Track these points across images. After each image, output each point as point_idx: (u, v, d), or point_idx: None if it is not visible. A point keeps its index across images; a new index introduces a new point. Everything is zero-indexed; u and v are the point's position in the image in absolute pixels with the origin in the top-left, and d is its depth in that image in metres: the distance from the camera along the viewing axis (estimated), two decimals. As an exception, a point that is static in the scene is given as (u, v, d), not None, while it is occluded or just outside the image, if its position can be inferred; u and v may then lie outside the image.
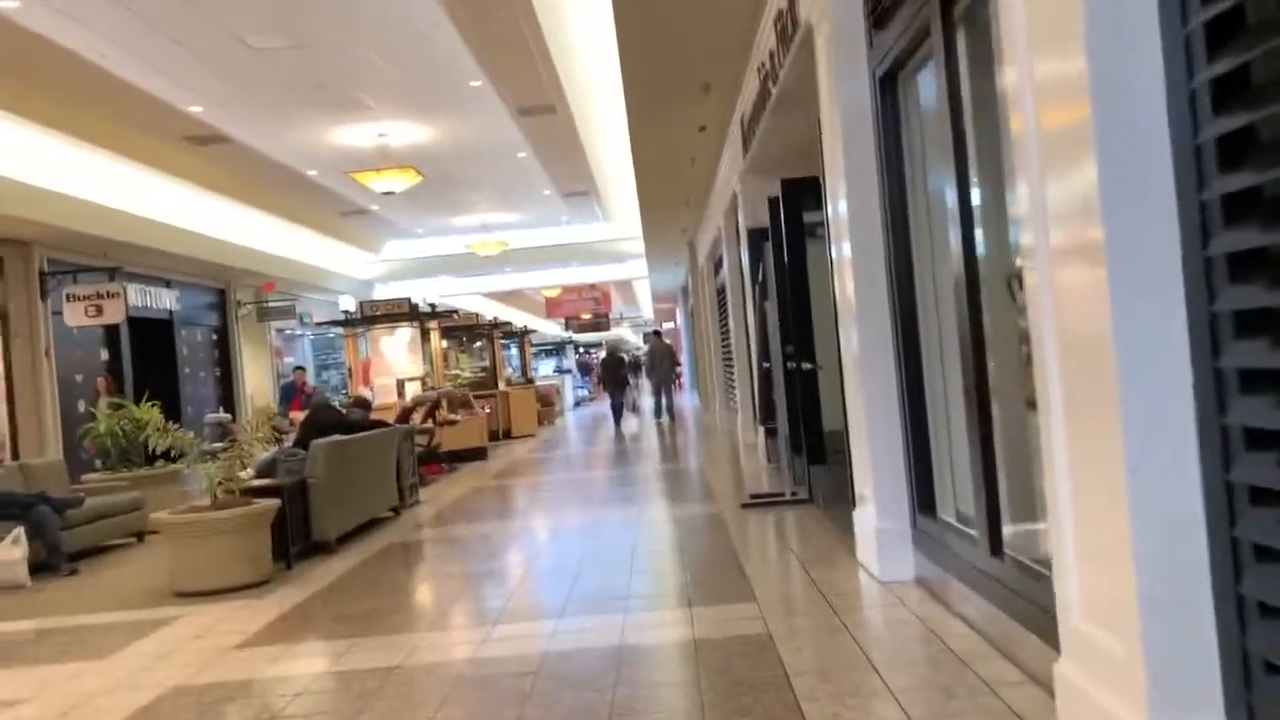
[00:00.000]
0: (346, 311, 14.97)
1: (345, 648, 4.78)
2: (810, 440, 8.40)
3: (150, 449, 9.09)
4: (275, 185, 17.92)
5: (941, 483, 4.93)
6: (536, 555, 7.38)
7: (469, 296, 27.95)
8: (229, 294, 19.51)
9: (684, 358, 29.93)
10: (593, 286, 31.17)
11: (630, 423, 20.34)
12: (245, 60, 11.52)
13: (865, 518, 5.54)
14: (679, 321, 35.81)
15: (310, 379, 17.22)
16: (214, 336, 19.11)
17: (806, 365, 8.43)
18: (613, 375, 20.46)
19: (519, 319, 29.29)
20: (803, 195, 8.91)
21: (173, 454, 8.92)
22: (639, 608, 5.13)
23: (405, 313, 14.80)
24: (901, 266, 5.10)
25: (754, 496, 8.47)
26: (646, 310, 42.08)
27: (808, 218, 8.88)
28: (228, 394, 18.68)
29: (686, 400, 28.18)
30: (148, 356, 15.81)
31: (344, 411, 9.99)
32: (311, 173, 17.24)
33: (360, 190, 19.19)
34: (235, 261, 18.14)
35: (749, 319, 11.36)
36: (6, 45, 9.99)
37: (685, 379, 30.06)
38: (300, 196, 19.00)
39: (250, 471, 7.51)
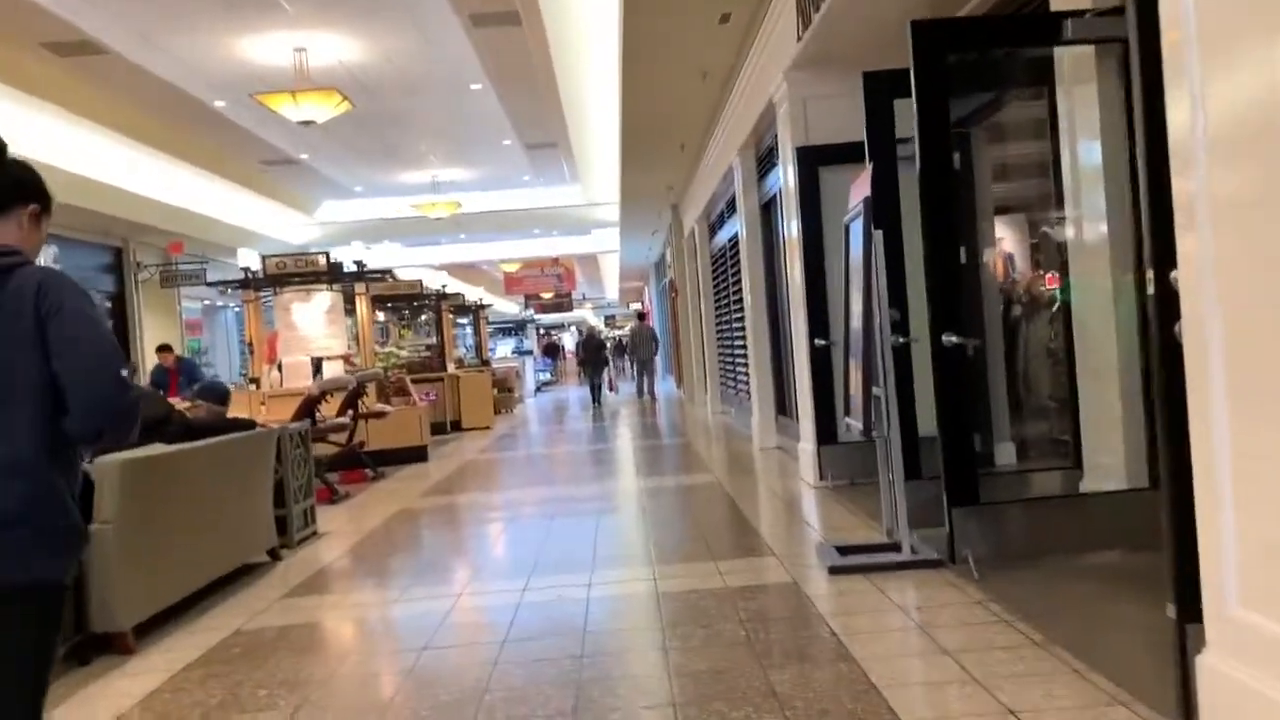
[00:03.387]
0: (246, 269, 11.26)
1: None
2: (908, 452, 5.03)
3: None
4: (178, 120, 14.11)
5: None
6: (483, 679, 3.87)
7: (419, 269, 24.24)
8: (127, 254, 15.70)
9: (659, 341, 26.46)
10: (555, 261, 27.59)
11: (609, 418, 16.83)
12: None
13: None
14: (649, 301, 32.33)
15: (192, 356, 13.31)
16: (107, 304, 15.32)
17: (902, 339, 5.09)
18: (593, 356, 20.36)
19: (476, 295, 25.61)
20: (891, 95, 5.58)
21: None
22: None
23: (323, 271, 11.14)
24: None
25: (844, 550, 5.06)
26: (612, 290, 38.52)
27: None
28: (122, 374, 14.87)
29: (660, 387, 24.71)
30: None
31: (187, 405, 6.44)
32: (219, 103, 13.47)
33: (283, 131, 15.44)
34: (134, 214, 14.35)
35: (789, 281, 7.92)
36: None
37: (659, 365, 26.62)
38: (212, 137, 15.20)
39: None
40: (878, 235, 4.73)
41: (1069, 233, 5.13)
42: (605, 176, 18.27)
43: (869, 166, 4.95)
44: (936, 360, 4.59)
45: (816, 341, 7.15)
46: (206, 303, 19.26)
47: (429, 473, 10.20)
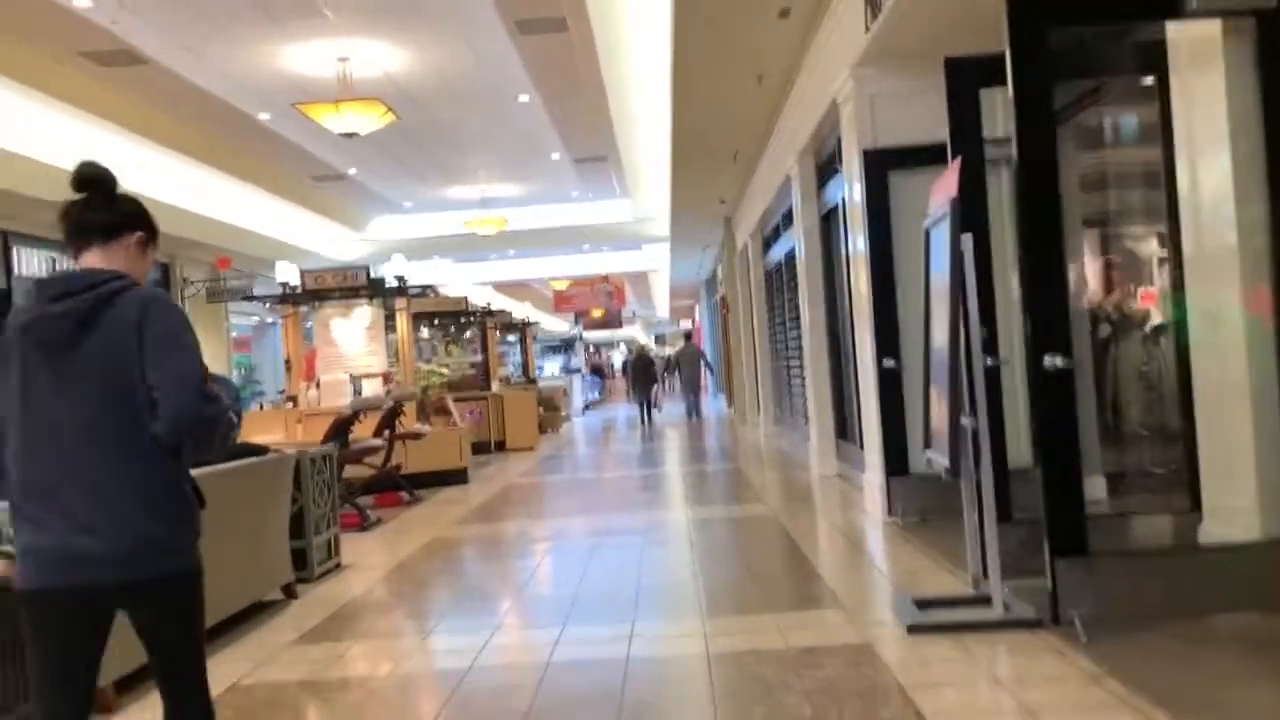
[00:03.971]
0: (284, 284, 10.85)
1: None
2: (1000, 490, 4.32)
3: None
4: (225, 134, 13.83)
5: None
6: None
7: (469, 287, 23.87)
8: (174, 271, 15.46)
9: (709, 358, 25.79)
10: (605, 279, 27.06)
11: (656, 439, 16.20)
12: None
13: None
14: (700, 319, 31.69)
15: (240, 372, 12.85)
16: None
17: (991, 361, 4.40)
18: (643, 374, 20.37)
19: (524, 312, 25.17)
20: (976, 84, 4.94)
21: None
22: None
23: (363, 286, 10.68)
24: None
25: (923, 604, 4.37)
26: (662, 308, 37.94)
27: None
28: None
29: (710, 406, 24.01)
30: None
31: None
32: (264, 116, 13.15)
33: (332, 146, 15.12)
34: (181, 230, 14.09)
35: (854, 296, 7.24)
36: None
37: (709, 383, 25.94)
38: (260, 151, 14.91)
39: None
40: (967, 240, 4.06)
41: (1187, 246, 4.42)
42: (656, 191, 17.70)
43: (955, 163, 4.28)
44: (1037, 386, 3.90)
45: (885, 363, 6.46)
46: (257, 320, 19.05)
47: (468, 497, 9.65)
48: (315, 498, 6.11)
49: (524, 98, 13.03)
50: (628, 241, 22.04)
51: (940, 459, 4.28)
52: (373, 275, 11.01)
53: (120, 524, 2.06)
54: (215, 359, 16.19)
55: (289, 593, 5.54)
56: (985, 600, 4.27)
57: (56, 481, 2.07)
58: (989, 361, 4.35)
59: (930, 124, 6.51)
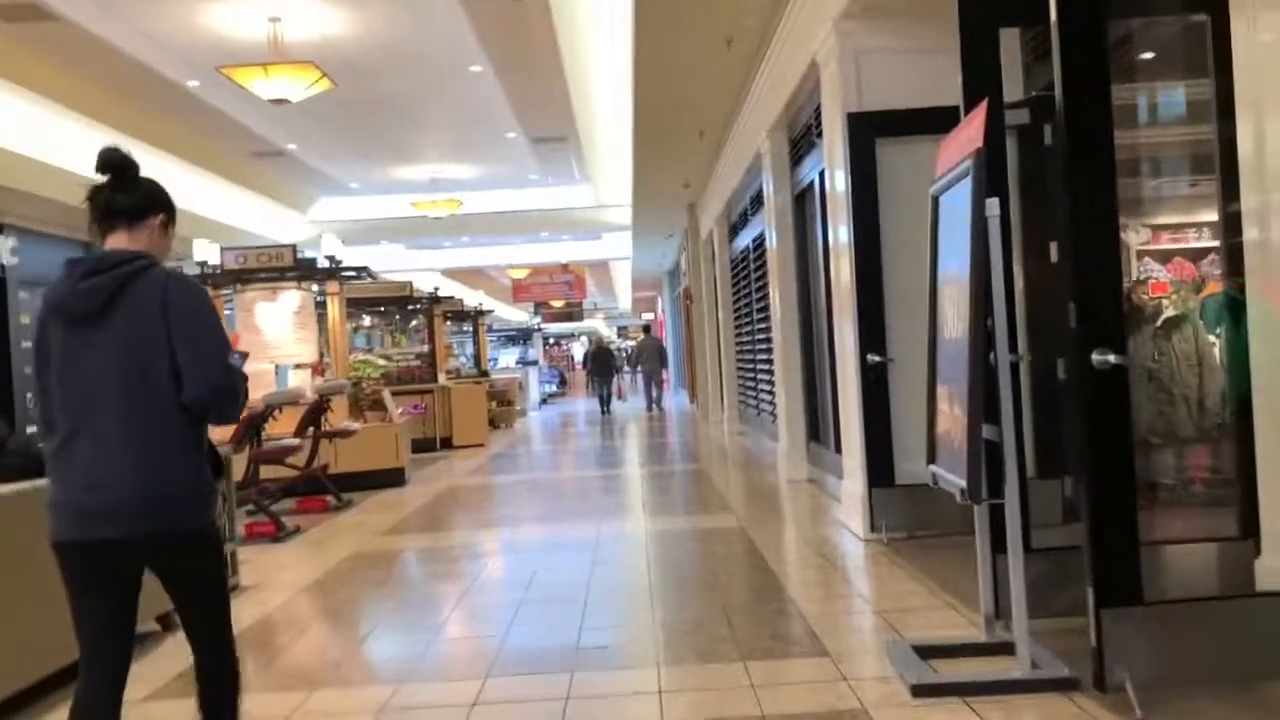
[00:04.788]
0: (203, 264, 9.80)
1: None
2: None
3: None
4: (153, 104, 12.69)
5: None
6: None
7: (424, 274, 22.79)
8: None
9: (670, 353, 24.94)
10: (565, 268, 26.11)
11: (616, 436, 15.33)
12: None
13: None
14: (662, 311, 30.86)
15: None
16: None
17: (1012, 356, 3.53)
18: (602, 365, 20.39)
19: (481, 301, 24.14)
20: (995, 21, 4.16)
21: None
22: None
23: (289, 267, 9.64)
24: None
25: (926, 651, 3.54)
26: (624, 300, 37.00)
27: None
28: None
29: (672, 400, 23.15)
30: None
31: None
32: (192, 84, 12.05)
33: (269, 119, 14.04)
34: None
35: (834, 282, 6.39)
36: None
37: (670, 377, 25.09)
38: (192, 124, 13.77)
39: None
40: (992, 206, 3.21)
41: (1251, 233, 3.60)
42: (617, 176, 16.80)
43: (979, 107, 3.42)
44: (1084, 387, 3.06)
45: (870, 358, 5.63)
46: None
47: (403, 501, 8.70)
48: (206, 509, 5.15)
49: (475, 68, 12.04)
50: (588, 230, 21.12)
51: (952, 478, 3.44)
52: (301, 255, 9.97)
53: (134, 483, 2.19)
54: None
55: (165, 624, 4.59)
56: (1004, 649, 3.44)
57: (78, 443, 2.22)
58: (1013, 357, 3.52)
59: (924, 87, 5.70)
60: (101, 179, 2.34)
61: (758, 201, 10.14)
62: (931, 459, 3.78)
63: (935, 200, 3.78)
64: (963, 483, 3.29)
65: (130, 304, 2.22)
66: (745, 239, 11.25)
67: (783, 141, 8.15)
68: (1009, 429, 3.27)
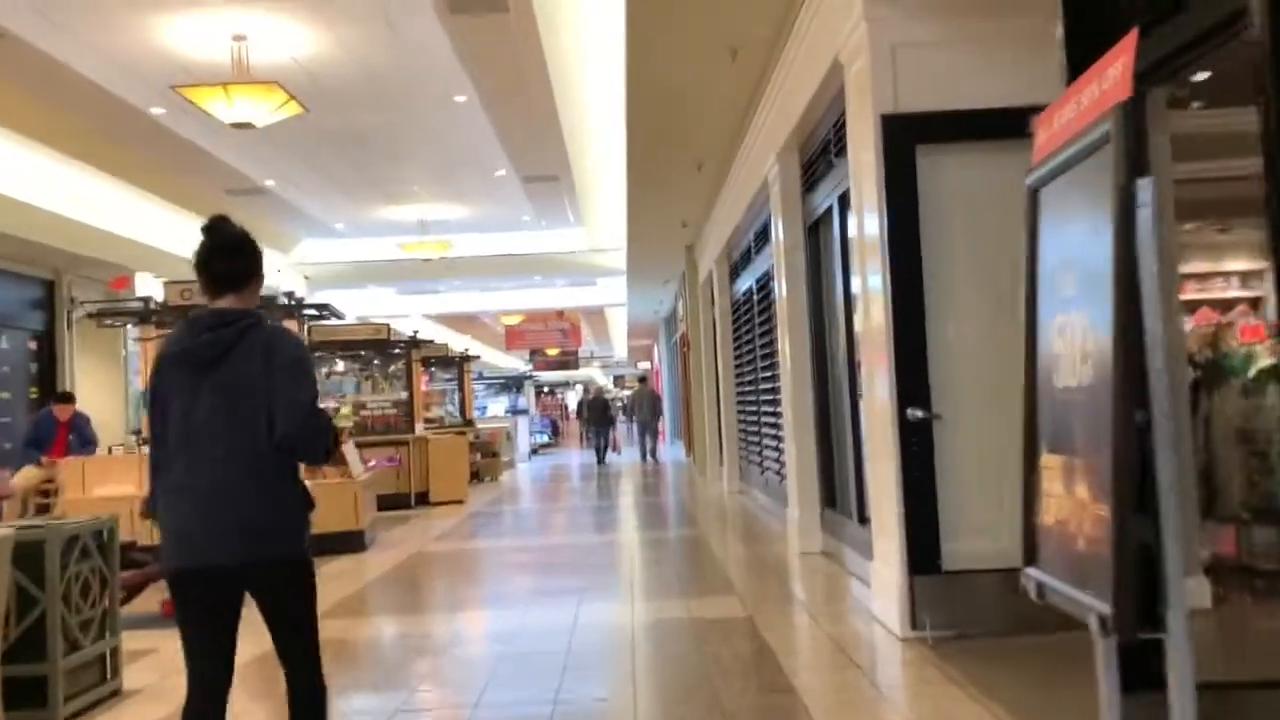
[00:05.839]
0: (146, 300, 8.71)
1: None
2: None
3: None
4: (120, 134, 11.69)
5: None
6: None
7: (416, 320, 21.73)
8: (59, 289, 13.21)
9: (665, 403, 23.77)
10: (560, 315, 25.09)
11: (607, 494, 14.12)
12: None
13: None
14: (658, 359, 29.76)
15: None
16: (32, 345, 12.83)
17: (1140, 415, 2.35)
18: (599, 415, 20.03)
19: (464, 346, 23.03)
20: None
21: None
22: None
23: (240, 305, 8.55)
24: None
25: None
26: (620, 348, 35.91)
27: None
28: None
29: (667, 452, 21.92)
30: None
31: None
32: (157, 111, 11.07)
33: (244, 154, 13.09)
34: (68, 244, 11.92)
35: (864, 320, 5.27)
36: None
37: (666, 427, 23.90)
38: (164, 157, 12.77)
39: None
40: (1145, 190, 2.12)
41: None
42: (612, 218, 15.84)
43: (1127, 38, 2.32)
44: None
45: (911, 414, 4.50)
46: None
47: (360, 569, 7.49)
48: (75, 597, 4.00)
49: (460, 97, 11.08)
50: (582, 274, 20.12)
51: (1078, 595, 2.29)
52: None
53: (244, 514, 2.45)
54: (111, 391, 13.91)
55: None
56: None
57: (192, 478, 2.45)
58: (1141, 416, 2.39)
59: (975, 86, 4.67)
60: (204, 243, 2.60)
61: (762, 238, 9.08)
62: (1031, 559, 2.64)
63: (1034, 195, 2.69)
64: (1101, 605, 2.15)
65: (243, 353, 2.48)
66: (748, 280, 10.19)
67: (793, 165, 7.11)
68: (1173, 523, 2.14)
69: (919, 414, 4.50)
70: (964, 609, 4.53)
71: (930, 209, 4.60)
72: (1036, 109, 4.40)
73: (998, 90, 4.51)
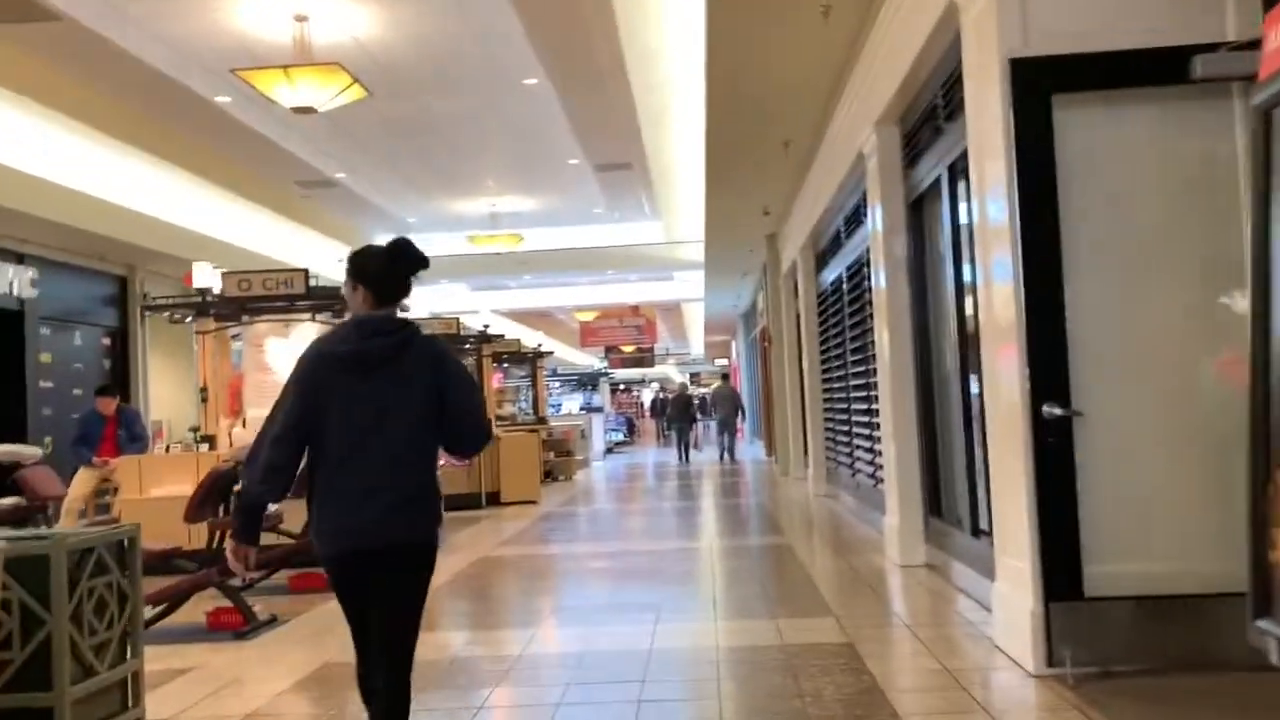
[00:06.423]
0: (202, 291, 8.42)
1: None
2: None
3: None
4: (179, 122, 11.54)
5: None
6: None
7: (489, 316, 21.45)
8: (132, 284, 13.15)
9: (744, 401, 23.02)
10: (635, 310, 24.57)
11: (685, 496, 13.52)
12: None
13: None
14: (736, 356, 29.04)
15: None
16: (105, 341, 12.79)
17: None
18: (681, 413, 20.18)
19: (540, 342, 22.66)
20: None
21: None
22: None
23: (299, 295, 8.14)
24: None
25: None
26: (696, 344, 35.27)
27: None
28: (123, 422, 12.18)
29: (747, 452, 21.21)
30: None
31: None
32: (223, 99, 10.85)
33: (314, 145, 12.88)
34: (140, 239, 11.81)
35: (986, 304, 4.55)
36: None
37: (745, 427, 23.16)
38: (231, 149, 12.62)
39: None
40: None
41: None
42: (688, 209, 15.23)
43: None
44: None
45: (1047, 410, 3.80)
46: (238, 342, 16.70)
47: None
48: (88, 616, 3.56)
49: (530, 80, 10.62)
50: (658, 268, 19.58)
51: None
52: (316, 283, 8.49)
53: (395, 500, 2.68)
54: (183, 388, 13.82)
55: None
56: None
57: (352, 468, 2.68)
58: None
59: (1128, 19, 3.95)
60: (385, 256, 2.83)
61: (854, 221, 8.38)
62: (1263, 609, 1.96)
63: (1265, 118, 2.00)
64: None
65: (409, 358, 2.74)
66: (837, 269, 9.48)
67: (893, 136, 6.40)
68: None
69: (1056, 411, 3.80)
70: (1110, 640, 3.82)
71: (1070, 170, 3.88)
72: (1202, 48, 3.69)
73: (1153, 25, 3.78)
